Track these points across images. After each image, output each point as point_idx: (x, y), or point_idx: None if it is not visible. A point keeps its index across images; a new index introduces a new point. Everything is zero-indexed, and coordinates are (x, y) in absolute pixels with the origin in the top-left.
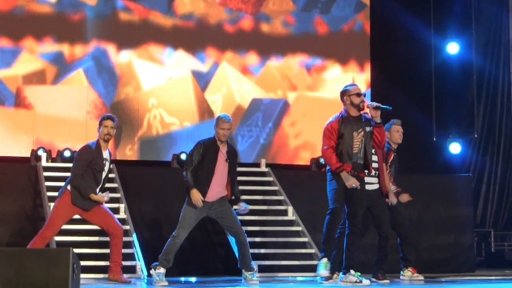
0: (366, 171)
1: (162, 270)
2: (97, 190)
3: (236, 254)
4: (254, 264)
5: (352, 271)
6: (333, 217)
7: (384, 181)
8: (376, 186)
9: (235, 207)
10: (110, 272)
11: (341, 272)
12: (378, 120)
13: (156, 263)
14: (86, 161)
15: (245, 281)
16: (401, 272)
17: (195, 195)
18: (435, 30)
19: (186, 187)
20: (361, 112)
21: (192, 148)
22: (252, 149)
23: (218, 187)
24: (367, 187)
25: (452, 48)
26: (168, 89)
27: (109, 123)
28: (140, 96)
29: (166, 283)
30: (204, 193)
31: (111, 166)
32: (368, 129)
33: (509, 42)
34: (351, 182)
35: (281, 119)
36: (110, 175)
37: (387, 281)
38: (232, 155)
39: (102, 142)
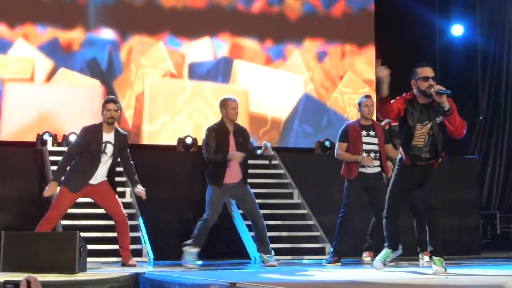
0: (424, 162)
1: (196, 249)
2: (97, 173)
3: (255, 237)
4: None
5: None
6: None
7: (385, 162)
8: (377, 169)
9: (258, 151)
10: (122, 258)
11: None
12: (446, 106)
13: (189, 241)
14: (80, 143)
15: (263, 264)
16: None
17: (234, 155)
18: (440, 12)
19: (219, 161)
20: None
21: (205, 137)
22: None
23: (235, 169)
24: (366, 170)
25: (457, 30)
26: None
27: (111, 106)
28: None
29: (196, 266)
30: (222, 177)
31: (128, 151)
32: (439, 119)
33: None
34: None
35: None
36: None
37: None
38: (242, 133)
39: (105, 125)
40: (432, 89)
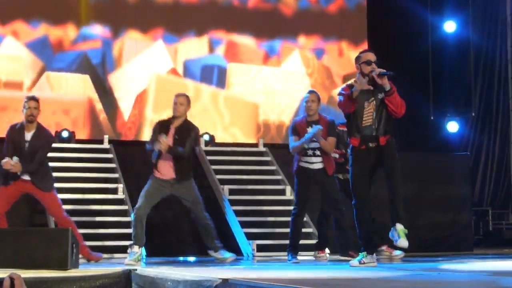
0: (375, 144)
1: (135, 249)
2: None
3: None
4: (252, 243)
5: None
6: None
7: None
8: (320, 166)
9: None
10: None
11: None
12: (387, 87)
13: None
14: (7, 141)
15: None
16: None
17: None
18: (432, 8)
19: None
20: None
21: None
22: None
23: (169, 165)
24: (312, 166)
25: (449, 26)
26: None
27: (32, 103)
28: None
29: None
30: (156, 168)
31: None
32: (381, 96)
33: (506, 19)
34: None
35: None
36: (107, 155)
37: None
38: (185, 130)
39: (26, 123)
40: (374, 72)
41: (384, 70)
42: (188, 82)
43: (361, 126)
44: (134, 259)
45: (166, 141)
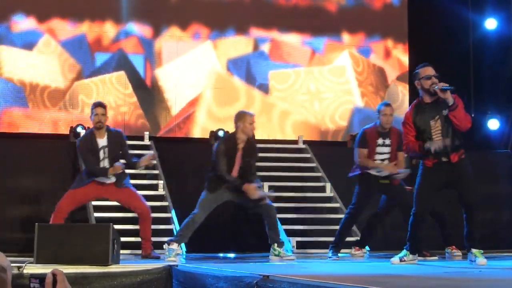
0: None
1: (175, 246)
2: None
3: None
4: (292, 240)
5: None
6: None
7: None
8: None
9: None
10: (142, 250)
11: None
12: (450, 101)
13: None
14: (86, 153)
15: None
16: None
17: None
18: (473, 6)
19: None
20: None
21: (215, 152)
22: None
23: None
24: (380, 173)
25: (490, 23)
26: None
27: (99, 110)
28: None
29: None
30: (220, 187)
31: (123, 150)
32: (445, 112)
33: None
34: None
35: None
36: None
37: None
38: (251, 151)
39: (95, 130)
40: (435, 87)
41: (447, 85)
42: (234, 80)
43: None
44: (174, 256)
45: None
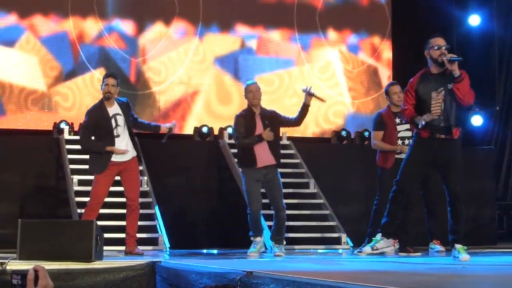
0: (443, 135)
1: (258, 239)
2: (122, 146)
3: (273, 227)
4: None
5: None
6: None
7: None
8: None
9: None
10: (126, 245)
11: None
12: (456, 73)
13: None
14: (91, 126)
15: (271, 253)
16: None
17: (265, 133)
18: (457, 2)
19: (250, 144)
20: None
21: (234, 125)
22: None
23: (266, 152)
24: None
25: (474, 20)
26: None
27: (110, 80)
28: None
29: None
30: (254, 158)
31: (132, 117)
32: (450, 86)
33: None
34: (424, 118)
35: None
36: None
37: None
38: (269, 115)
39: (105, 100)
40: (444, 57)
41: (455, 56)
42: (221, 77)
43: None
44: (257, 249)
45: (266, 133)
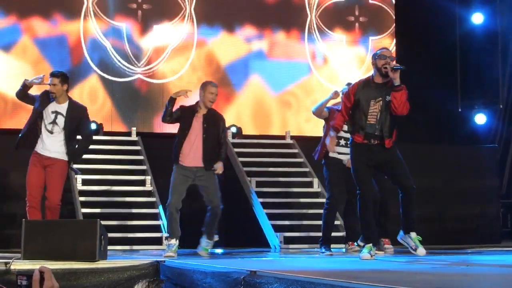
0: (377, 141)
1: (172, 241)
2: (47, 144)
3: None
4: (279, 235)
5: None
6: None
7: None
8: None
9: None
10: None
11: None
12: (397, 82)
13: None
14: (36, 99)
15: (199, 246)
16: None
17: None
18: (460, 0)
19: (168, 102)
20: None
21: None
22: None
23: (198, 152)
24: (342, 157)
25: (477, 18)
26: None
27: (53, 80)
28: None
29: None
30: (178, 158)
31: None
32: (388, 98)
33: None
34: (329, 146)
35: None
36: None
37: None
38: (213, 118)
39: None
40: (388, 65)
41: (398, 65)
42: (223, 76)
43: (365, 124)
44: (173, 251)
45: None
